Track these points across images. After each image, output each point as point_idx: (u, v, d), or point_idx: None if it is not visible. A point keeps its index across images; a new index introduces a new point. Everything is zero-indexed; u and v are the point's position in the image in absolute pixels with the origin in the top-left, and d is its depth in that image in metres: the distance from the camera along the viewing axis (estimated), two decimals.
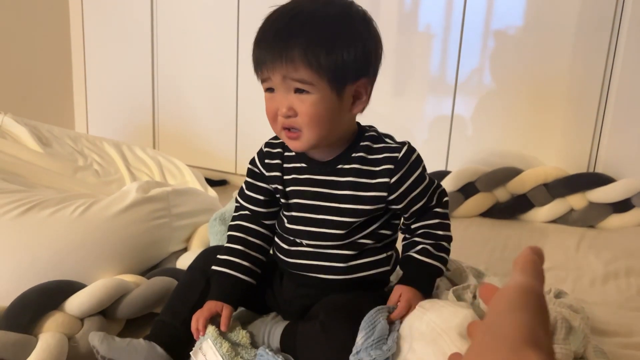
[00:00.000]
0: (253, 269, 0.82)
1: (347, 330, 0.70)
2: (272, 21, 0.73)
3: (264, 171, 0.82)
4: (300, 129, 0.72)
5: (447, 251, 0.79)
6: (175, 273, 0.99)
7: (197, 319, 0.75)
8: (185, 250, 1.14)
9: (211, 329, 0.74)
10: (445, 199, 0.81)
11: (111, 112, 2.09)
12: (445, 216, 0.80)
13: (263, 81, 0.74)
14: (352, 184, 0.77)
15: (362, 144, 0.78)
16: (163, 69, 1.95)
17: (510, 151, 1.59)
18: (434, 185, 0.80)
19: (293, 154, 0.81)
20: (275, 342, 0.77)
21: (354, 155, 0.77)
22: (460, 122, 1.65)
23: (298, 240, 0.81)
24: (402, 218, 0.82)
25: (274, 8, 0.75)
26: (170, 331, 0.78)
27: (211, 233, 1.11)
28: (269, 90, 0.74)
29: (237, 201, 0.88)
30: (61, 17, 2.02)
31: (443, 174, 1.52)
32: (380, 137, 0.80)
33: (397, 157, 0.75)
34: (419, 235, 0.80)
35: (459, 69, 1.60)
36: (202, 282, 0.81)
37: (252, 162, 0.85)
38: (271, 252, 0.87)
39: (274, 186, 0.82)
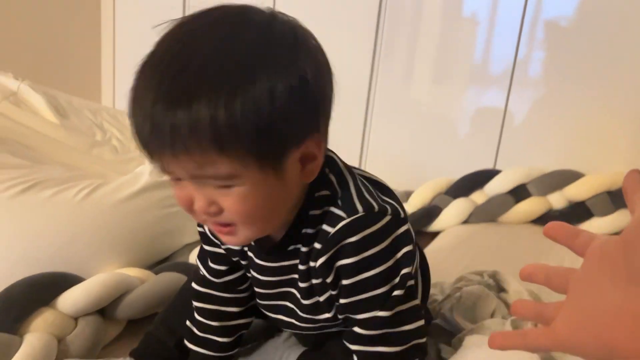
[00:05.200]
0: (238, 333, 0.66)
1: None
2: (150, 76, 0.45)
3: (215, 239, 0.62)
4: (233, 223, 0.50)
5: None
6: (186, 269, 0.89)
7: None
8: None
9: None
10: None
11: None
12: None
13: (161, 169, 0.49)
14: (304, 271, 0.57)
15: (312, 212, 0.54)
16: None
17: (570, 152, 1.41)
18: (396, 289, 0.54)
19: None
20: None
21: (304, 231, 0.55)
22: (513, 116, 1.49)
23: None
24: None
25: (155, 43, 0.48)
26: (161, 352, 0.68)
27: None
28: (174, 178, 0.49)
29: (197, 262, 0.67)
30: None
31: (491, 174, 1.36)
32: (332, 197, 0.54)
33: (328, 233, 0.53)
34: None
35: (517, 58, 1.43)
36: None
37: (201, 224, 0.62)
38: None
39: (235, 259, 0.62)
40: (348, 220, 0.52)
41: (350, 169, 0.57)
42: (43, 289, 0.73)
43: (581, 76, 1.39)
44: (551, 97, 1.45)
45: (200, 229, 0.63)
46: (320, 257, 0.53)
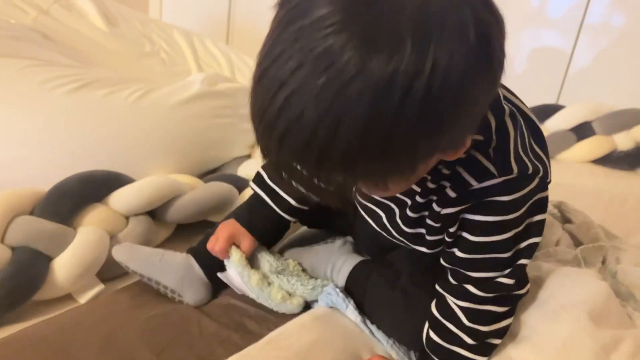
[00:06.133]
0: (303, 209, 0.65)
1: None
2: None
3: None
4: None
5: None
6: (235, 181, 0.88)
7: (218, 238, 0.63)
8: (249, 157, 1.01)
9: (237, 255, 0.63)
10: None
11: None
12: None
13: None
14: (420, 204, 0.54)
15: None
16: None
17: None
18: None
19: None
20: (341, 280, 0.64)
21: (438, 167, 0.50)
22: (581, 53, 1.38)
23: None
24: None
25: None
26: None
27: None
28: None
29: None
30: None
31: (554, 108, 1.28)
32: (483, 142, 0.46)
33: (470, 185, 0.48)
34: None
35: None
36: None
37: None
38: None
39: None
40: (500, 180, 0.45)
41: (514, 113, 0.48)
42: (96, 185, 0.72)
43: None
44: (625, 35, 1.33)
45: None
46: (451, 206, 0.48)
